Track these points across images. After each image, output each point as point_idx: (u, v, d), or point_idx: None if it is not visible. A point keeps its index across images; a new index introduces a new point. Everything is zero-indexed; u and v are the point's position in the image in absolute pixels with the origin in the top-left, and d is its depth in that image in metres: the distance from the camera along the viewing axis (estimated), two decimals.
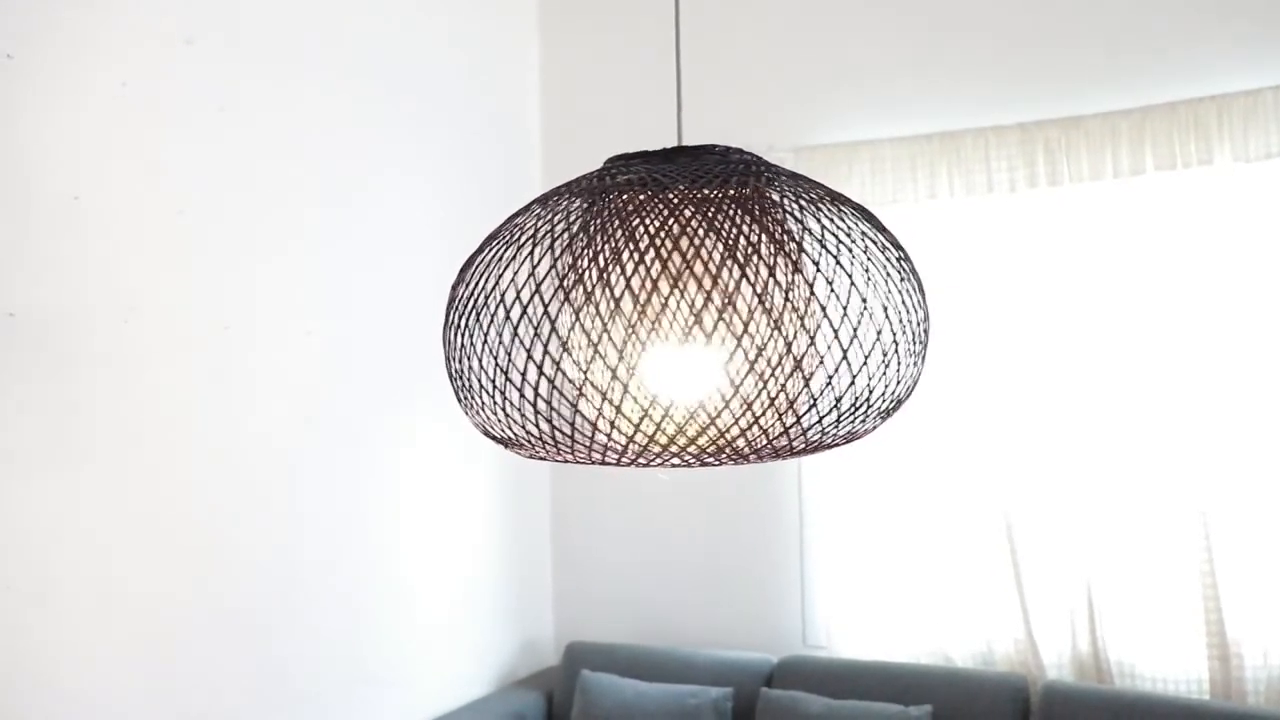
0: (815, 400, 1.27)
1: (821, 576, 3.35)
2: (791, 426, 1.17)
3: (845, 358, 1.20)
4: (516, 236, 1.36)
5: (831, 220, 1.32)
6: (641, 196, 1.18)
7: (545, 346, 1.16)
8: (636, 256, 1.19)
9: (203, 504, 2.56)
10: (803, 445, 1.24)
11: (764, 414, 1.17)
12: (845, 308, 1.21)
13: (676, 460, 1.23)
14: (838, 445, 1.32)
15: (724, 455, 1.17)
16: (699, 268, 1.16)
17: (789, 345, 1.16)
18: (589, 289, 1.17)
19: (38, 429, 2.22)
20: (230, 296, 2.64)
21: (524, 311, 1.19)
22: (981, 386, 3.09)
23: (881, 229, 1.28)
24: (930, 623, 3.18)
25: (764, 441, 1.14)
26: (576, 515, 3.77)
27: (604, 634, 3.64)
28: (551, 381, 1.20)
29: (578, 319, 1.16)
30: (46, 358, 2.25)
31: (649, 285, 1.14)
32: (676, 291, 1.15)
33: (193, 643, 2.51)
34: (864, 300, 1.24)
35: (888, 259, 1.33)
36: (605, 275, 1.20)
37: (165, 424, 2.48)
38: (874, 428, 1.36)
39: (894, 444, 3.15)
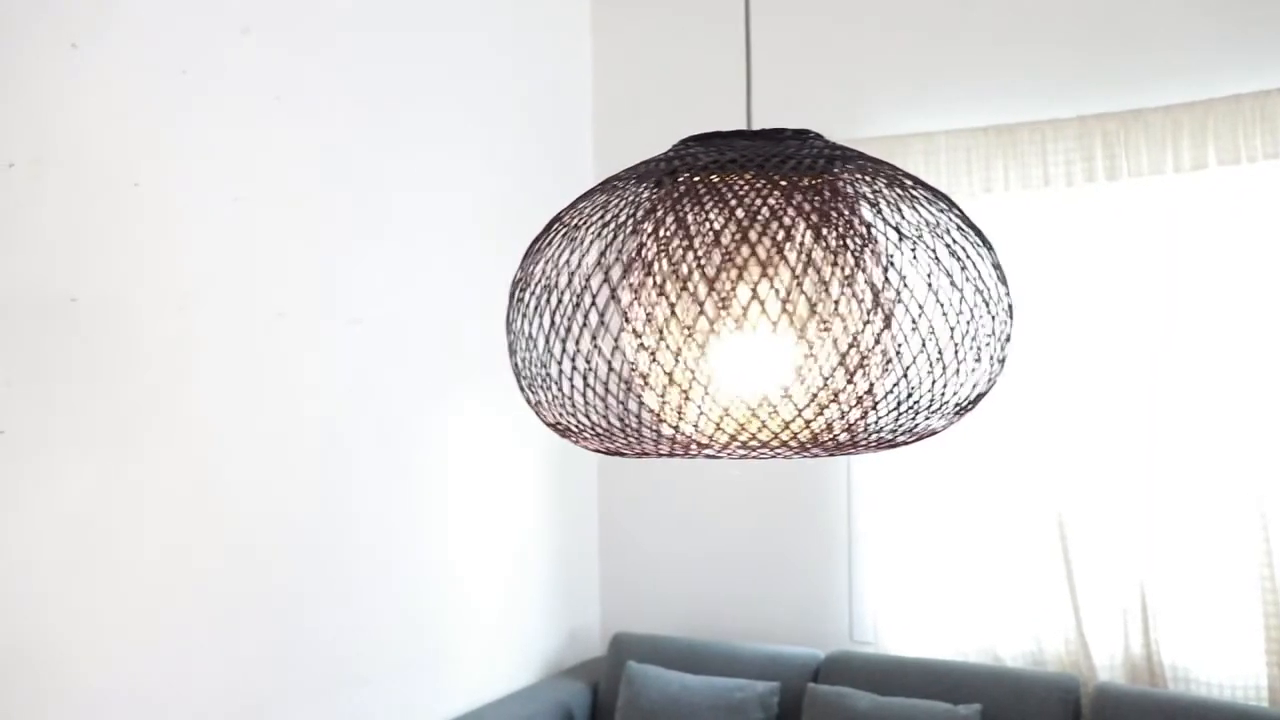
0: (885, 395, 1.25)
1: (869, 572, 3.32)
2: (869, 415, 1.17)
3: (924, 352, 1.20)
4: (587, 218, 1.33)
5: (918, 212, 1.28)
6: (746, 177, 1.16)
7: (638, 336, 1.17)
8: (721, 242, 1.17)
9: (255, 487, 2.59)
10: (876, 440, 1.23)
11: (849, 409, 1.17)
12: (942, 306, 1.20)
13: (745, 452, 1.22)
14: (910, 442, 1.30)
15: (796, 448, 1.15)
16: (784, 255, 1.15)
17: (876, 339, 1.16)
18: (674, 272, 1.16)
19: (97, 410, 2.26)
20: (284, 283, 2.67)
21: (613, 297, 1.18)
22: (1035, 383, 3.04)
23: (969, 223, 1.27)
24: (979, 621, 3.14)
25: (845, 436, 1.14)
26: (624, 506, 3.77)
27: (650, 626, 3.64)
28: (634, 373, 1.19)
29: (662, 305, 1.15)
30: (106, 341, 2.28)
31: (731, 272, 1.13)
32: (757, 279, 1.13)
33: (244, 625, 2.54)
34: (961, 295, 1.23)
35: (977, 254, 1.29)
36: (685, 259, 1.19)
37: (220, 407, 2.51)
38: (950, 424, 1.33)
39: (945, 439, 3.10)
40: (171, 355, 2.41)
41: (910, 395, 1.24)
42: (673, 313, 1.23)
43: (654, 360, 1.22)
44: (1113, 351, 2.97)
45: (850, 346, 1.12)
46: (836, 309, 1.13)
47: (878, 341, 1.15)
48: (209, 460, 2.48)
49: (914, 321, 1.16)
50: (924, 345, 1.18)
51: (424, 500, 3.08)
